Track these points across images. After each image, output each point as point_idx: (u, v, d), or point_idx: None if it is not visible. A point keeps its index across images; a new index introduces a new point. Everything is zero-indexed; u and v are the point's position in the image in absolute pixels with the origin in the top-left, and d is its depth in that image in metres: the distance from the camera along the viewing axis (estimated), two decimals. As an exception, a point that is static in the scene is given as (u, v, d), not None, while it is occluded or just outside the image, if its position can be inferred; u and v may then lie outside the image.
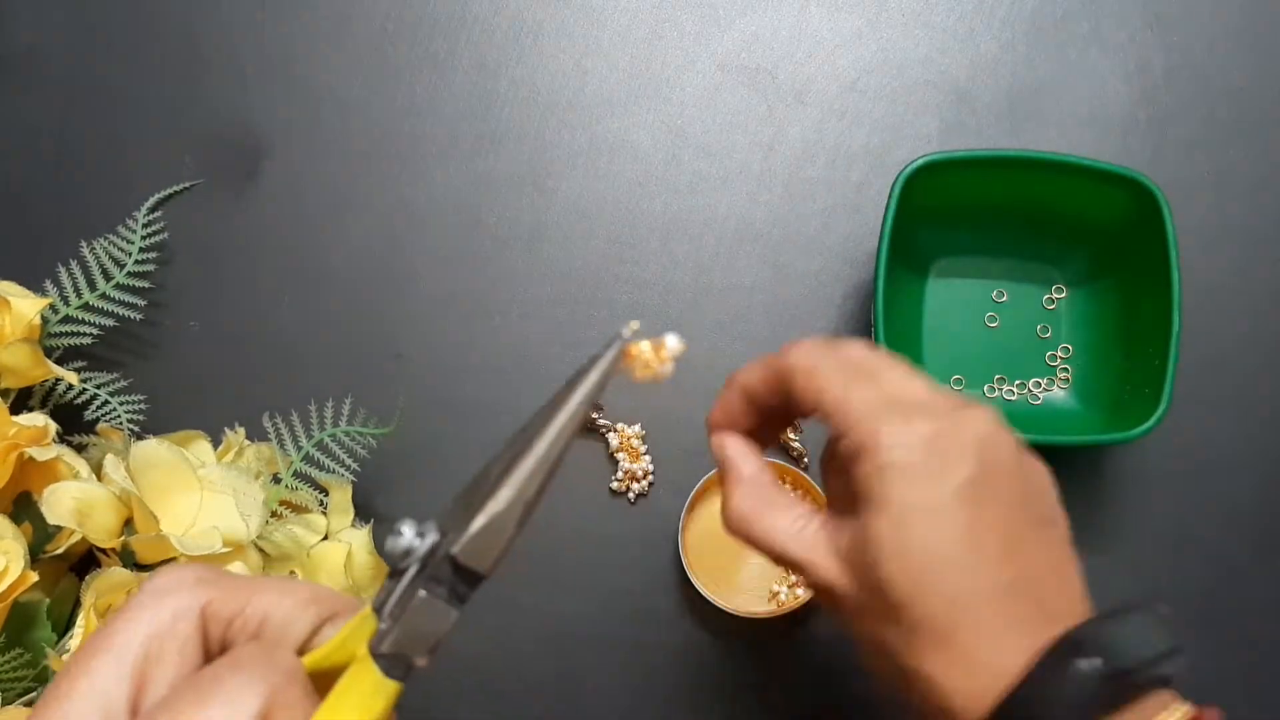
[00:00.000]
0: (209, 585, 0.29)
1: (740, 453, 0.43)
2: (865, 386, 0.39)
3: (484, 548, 0.28)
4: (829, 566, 0.39)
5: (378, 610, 0.28)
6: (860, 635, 0.39)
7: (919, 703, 0.37)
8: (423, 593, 0.27)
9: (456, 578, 0.28)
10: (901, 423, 0.37)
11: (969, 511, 0.36)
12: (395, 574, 0.28)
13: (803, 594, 0.61)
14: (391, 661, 0.27)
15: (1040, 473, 0.39)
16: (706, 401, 0.65)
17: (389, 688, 0.28)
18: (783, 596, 0.62)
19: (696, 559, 0.61)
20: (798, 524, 0.40)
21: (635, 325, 0.29)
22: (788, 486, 0.63)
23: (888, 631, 0.37)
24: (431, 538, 0.28)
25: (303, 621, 0.30)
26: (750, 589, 0.62)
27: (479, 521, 0.27)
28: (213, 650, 0.29)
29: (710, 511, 0.63)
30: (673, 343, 0.30)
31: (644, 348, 0.29)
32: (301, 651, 0.29)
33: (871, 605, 0.37)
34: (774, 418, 0.45)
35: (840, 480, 0.41)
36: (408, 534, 0.27)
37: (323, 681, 0.28)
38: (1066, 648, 0.34)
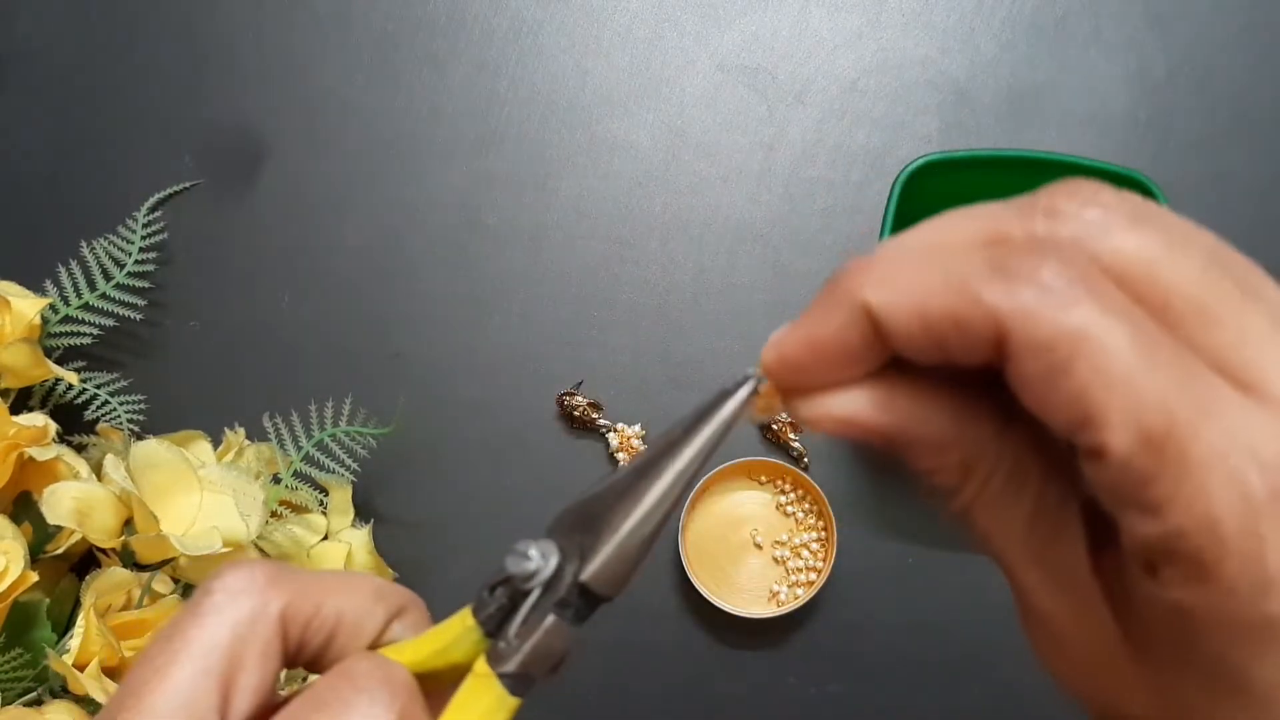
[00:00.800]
0: (284, 584, 0.28)
1: (891, 397, 0.23)
2: (1219, 424, 0.18)
3: (612, 575, 0.28)
4: (1108, 683, 0.22)
5: (483, 622, 0.28)
6: None
7: None
8: (553, 618, 0.28)
9: (582, 601, 0.28)
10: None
11: None
12: (499, 586, 0.28)
13: (802, 594, 0.61)
14: (513, 679, 0.28)
15: None
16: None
17: (510, 704, 0.28)
18: (783, 596, 0.62)
19: (696, 559, 0.61)
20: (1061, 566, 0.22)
21: (763, 370, 0.29)
22: (788, 487, 0.63)
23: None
24: (555, 560, 0.28)
25: (375, 618, 0.29)
26: (749, 589, 0.62)
27: (609, 549, 0.28)
28: (290, 653, 0.28)
29: (710, 511, 0.63)
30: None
31: (773, 396, 0.29)
32: (371, 649, 0.29)
33: None
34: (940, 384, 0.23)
35: (1080, 583, 0.22)
36: (535, 556, 0.28)
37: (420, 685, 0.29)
38: None
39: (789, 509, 0.63)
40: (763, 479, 0.63)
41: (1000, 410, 0.22)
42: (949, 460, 0.22)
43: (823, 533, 0.62)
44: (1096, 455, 0.19)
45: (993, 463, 0.22)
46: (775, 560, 0.62)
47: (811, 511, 0.62)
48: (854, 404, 0.23)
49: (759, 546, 0.62)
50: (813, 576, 0.61)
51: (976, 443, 0.22)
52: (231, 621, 0.27)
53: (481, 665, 0.28)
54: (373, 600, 0.29)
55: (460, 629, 0.28)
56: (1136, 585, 0.20)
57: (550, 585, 0.28)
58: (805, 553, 0.62)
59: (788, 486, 0.63)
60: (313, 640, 0.28)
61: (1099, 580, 0.22)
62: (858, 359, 0.22)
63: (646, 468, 0.28)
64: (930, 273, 0.20)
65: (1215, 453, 0.18)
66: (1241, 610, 0.18)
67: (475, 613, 0.28)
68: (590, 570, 0.27)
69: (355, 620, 0.28)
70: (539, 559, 0.28)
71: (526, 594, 0.28)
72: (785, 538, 0.62)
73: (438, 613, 0.65)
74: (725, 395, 0.27)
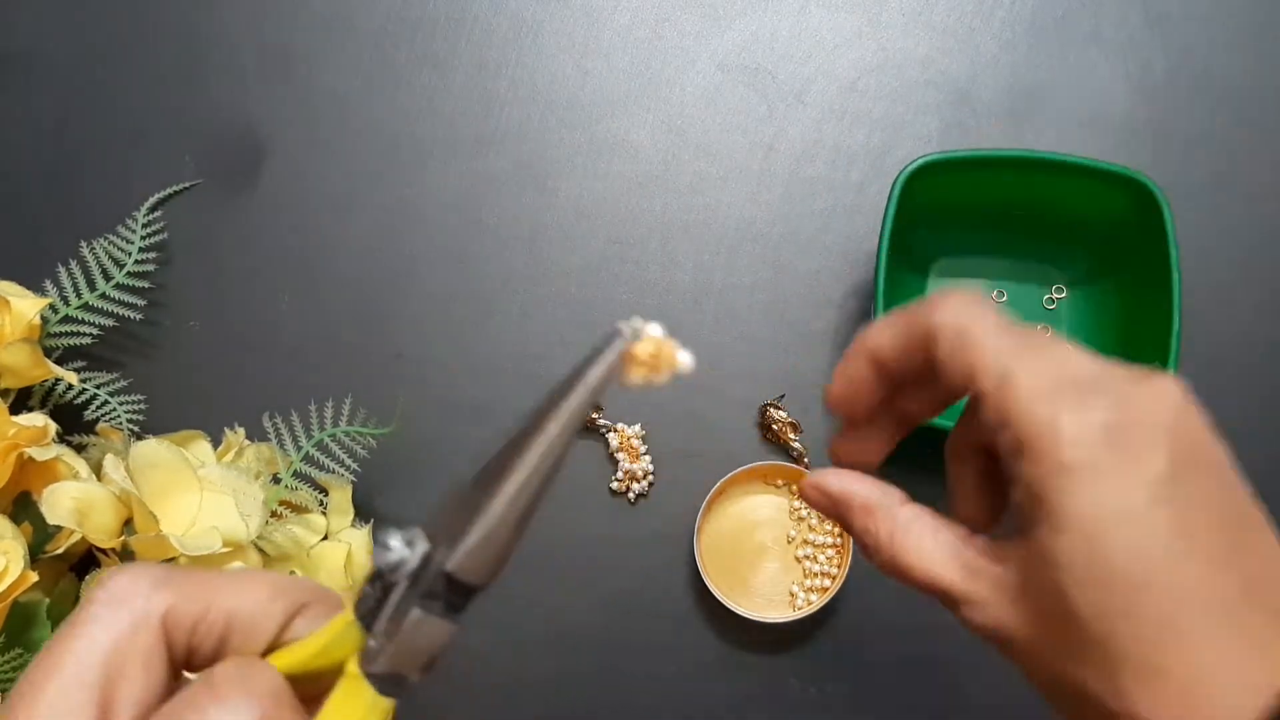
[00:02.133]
0: (168, 588, 0.27)
1: (849, 479, 0.36)
2: (1032, 359, 0.30)
3: (480, 562, 0.26)
4: (996, 601, 0.31)
5: (362, 619, 0.27)
6: (1043, 680, 0.31)
7: None
8: (418, 611, 0.26)
9: (451, 591, 0.26)
10: (1079, 409, 0.29)
11: (1173, 513, 0.29)
12: (376, 580, 0.27)
13: (817, 600, 0.61)
14: (384, 680, 0.26)
15: (1225, 451, 0.33)
16: (706, 401, 0.65)
17: (383, 706, 0.26)
18: (800, 601, 0.61)
19: (710, 562, 0.61)
20: (948, 548, 0.33)
21: (638, 324, 0.27)
22: (785, 488, 0.63)
23: (1083, 673, 0.29)
24: (421, 548, 0.26)
25: (271, 617, 0.28)
26: (765, 593, 0.62)
27: (474, 535, 0.26)
28: (178, 659, 0.27)
29: (725, 514, 0.62)
30: (685, 359, 0.28)
31: (646, 349, 0.27)
32: (272, 648, 0.28)
33: (1058, 643, 0.30)
34: (911, 393, 0.36)
35: (987, 484, 0.35)
36: (397, 547, 0.26)
37: (303, 686, 0.27)
38: None
39: (804, 513, 0.63)
40: (779, 482, 0.63)
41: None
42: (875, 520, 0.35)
43: (838, 537, 0.62)
44: (978, 399, 0.31)
45: (903, 512, 0.34)
46: (795, 561, 0.62)
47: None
48: (831, 480, 0.36)
49: (773, 551, 0.62)
50: (827, 582, 0.61)
51: (889, 502, 0.35)
52: (111, 631, 0.26)
53: (352, 665, 0.26)
54: (270, 598, 0.28)
55: (341, 626, 0.27)
56: (1000, 484, 0.35)
57: (417, 577, 0.26)
58: (821, 557, 0.62)
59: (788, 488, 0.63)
60: (203, 643, 0.27)
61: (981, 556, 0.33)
62: (869, 389, 0.35)
63: (514, 448, 0.26)
64: (893, 322, 0.34)
65: (1032, 386, 0.30)
66: (1052, 456, 0.29)
67: (356, 608, 0.27)
68: (455, 558, 0.26)
69: (249, 620, 0.27)
70: (401, 549, 0.26)
71: (392, 586, 0.26)
72: (800, 541, 0.62)
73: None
74: (594, 356, 0.26)
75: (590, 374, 0.26)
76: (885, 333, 0.34)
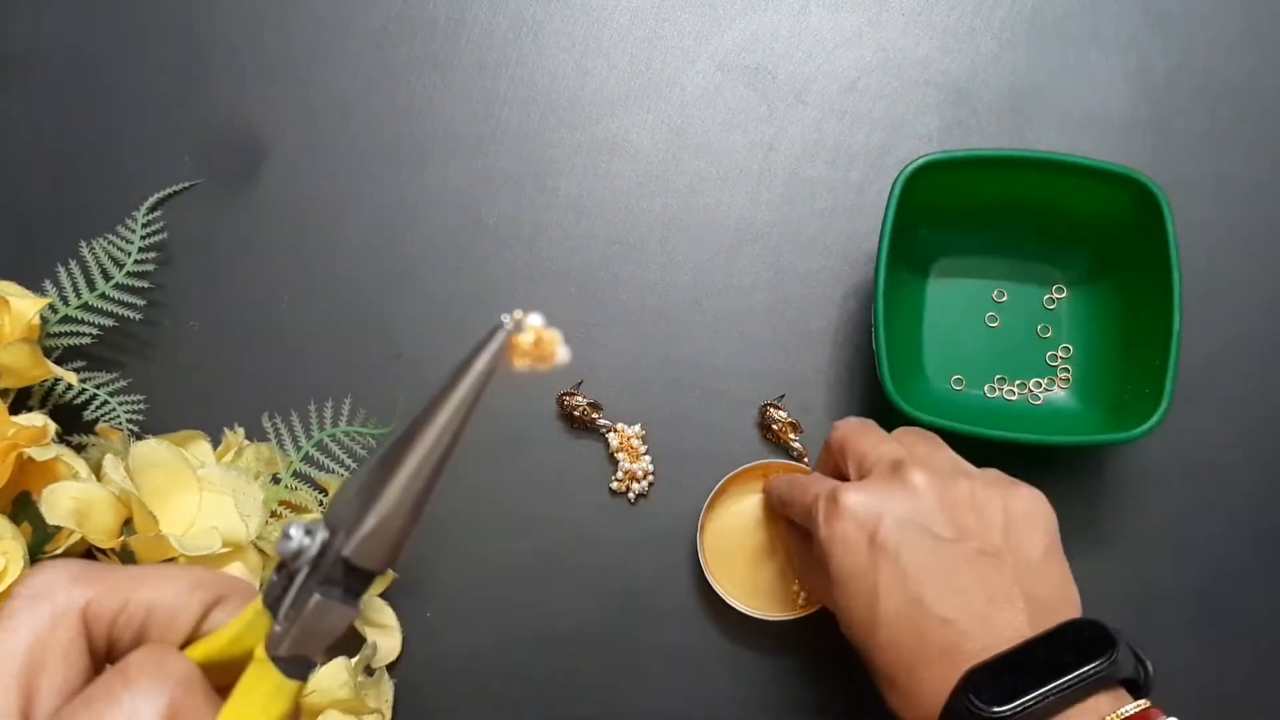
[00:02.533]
0: (86, 583, 0.28)
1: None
2: (842, 489, 0.50)
3: (375, 548, 0.27)
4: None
5: (270, 607, 0.28)
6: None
7: None
8: (317, 596, 0.27)
9: (350, 577, 0.27)
10: (834, 513, 0.49)
11: (884, 571, 0.47)
12: (281, 569, 0.28)
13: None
14: (290, 663, 0.27)
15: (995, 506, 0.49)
16: (706, 400, 0.65)
17: (290, 688, 0.27)
18: (802, 599, 0.61)
19: (714, 560, 0.61)
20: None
21: (519, 315, 0.28)
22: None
23: (869, 662, 0.49)
24: (320, 536, 0.27)
25: (189, 609, 0.29)
26: (767, 591, 0.62)
27: (369, 523, 0.27)
28: (99, 651, 0.28)
29: (728, 512, 0.62)
30: (563, 353, 0.29)
31: (527, 340, 0.28)
32: (191, 639, 0.29)
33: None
34: None
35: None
36: (297, 536, 0.27)
37: (218, 675, 0.28)
38: (966, 683, 0.43)
39: None
40: (780, 472, 0.63)
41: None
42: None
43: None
44: (814, 507, 0.51)
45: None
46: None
47: None
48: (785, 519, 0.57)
49: (776, 549, 0.62)
50: None
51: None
52: (32, 625, 0.27)
53: (259, 650, 0.27)
54: (188, 591, 0.29)
55: (251, 615, 0.28)
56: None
57: (316, 564, 0.27)
58: None
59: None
60: (123, 635, 0.28)
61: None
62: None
63: (409, 432, 0.27)
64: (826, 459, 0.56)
65: (834, 503, 0.49)
66: (821, 534, 0.49)
67: (264, 597, 0.28)
68: (351, 545, 0.27)
69: (168, 612, 0.29)
70: (301, 538, 0.27)
71: (296, 573, 0.27)
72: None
73: (440, 613, 0.65)
74: (480, 347, 0.28)
75: (476, 363, 0.27)
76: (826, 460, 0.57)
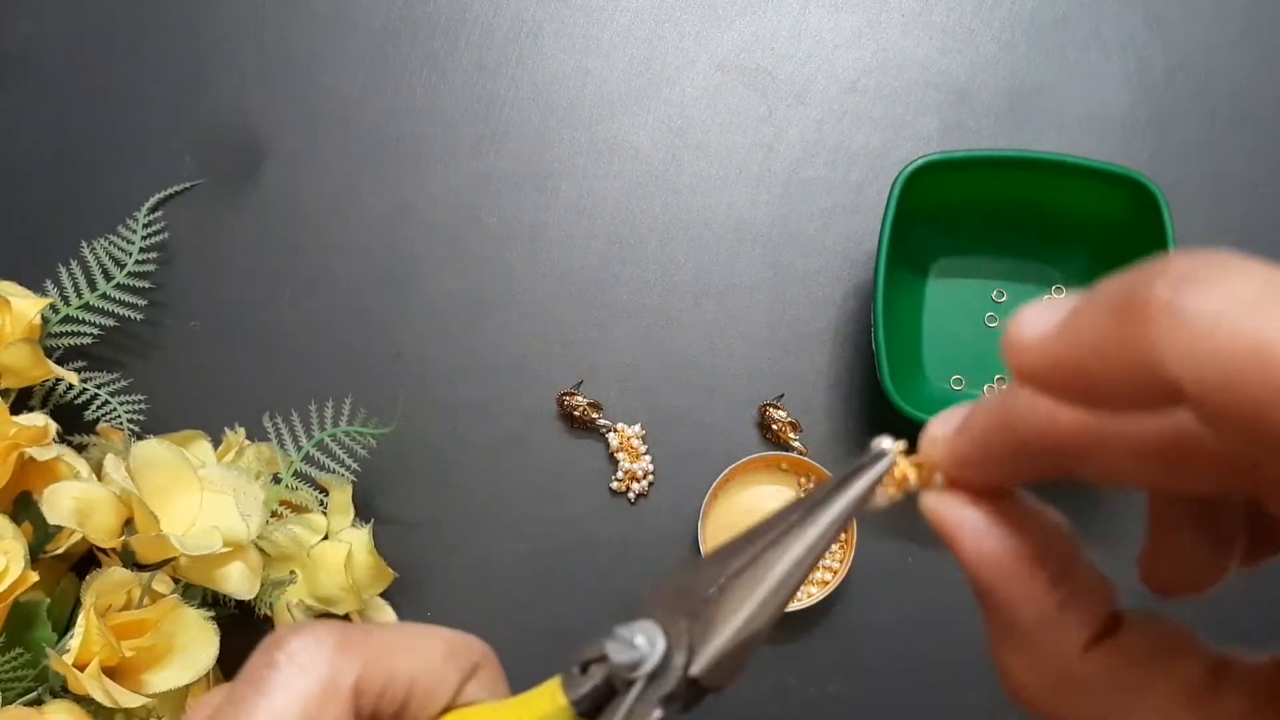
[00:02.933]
0: (353, 652, 0.25)
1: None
2: None
3: (730, 669, 0.25)
4: None
5: (575, 703, 0.26)
6: None
7: None
8: (659, 712, 0.25)
9: (690, 693, 0.25)
10: None
11: None
12: (591, 666, 0.26)
13: (817, 593, 0.61)
14: None
15: None
16: (706, 400, 0.65)
17: None
18: (799, 592, 0.61)
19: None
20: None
21: (901, 446, 0.26)
22: (812, 487, 0.63)
23: None
24: (660, 647, 0.25)
25: (447, 683, 0.27)
26: None
27: (725, 640, 0.24)
28: None
29: (731, 504, 0.62)
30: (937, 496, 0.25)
31: (908, 470, 0.26)
32: (445, 711, 0.27)
33: None
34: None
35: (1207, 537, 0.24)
36: (642, 645, 0.25)
37: None
38: None
39: None
40: (783, 466, 0.63)
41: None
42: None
43: (841, 532, 0.62)
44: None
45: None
46: None
47: None
48: (966, 523, 0.23)
49: None
50: (829, 576, 0.61)
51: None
52: (298, 697, 0.24)
53: None
54: (444, 660, 0.27)
55: (551, 707, 0.26)
56: None
57: (656, 676, 0.25)
58: None
59: (811, 485, 0.63)
60: (385, 710, 0.26)
61: None
62: (1016, 453, 0.22)
63: (764, 547, 0.24)
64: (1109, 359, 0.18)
65: None
66: None
67: (566, 689, 0.26)
68: (703, 665, 0.24)
69: (429, 685, 0.26)
70: (645, 647, 0.25)
71: (629, 683, 0.25)
72: None
73: (441, 612, 0.65)
74: (859, 470, 0.25)
75: (855, 486, 0.25)
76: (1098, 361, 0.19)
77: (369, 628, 0.26)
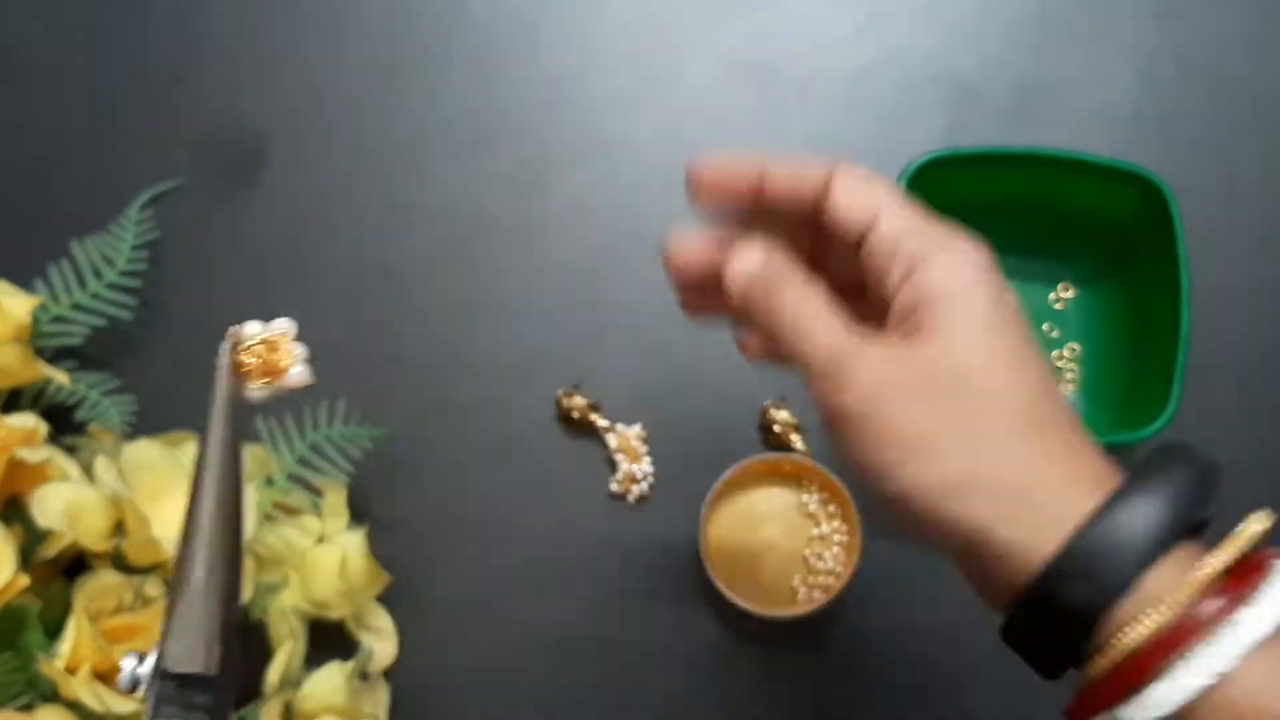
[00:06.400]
0: None
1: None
2: (916, 213, 0.39)
3: (191, 648, 0.24)
4: (860, 384, 0.35)
5: None
6: (879, 476, 0.35)
7: (961, 546, 0.34)
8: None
9: (184, 690, 0.24)
10: (957, 252, 0.37)
11: (1001, 337, 0.35)
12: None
13: (820, 597, 0.60)
14: None
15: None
16: (708, 401, 0.64)
17: None
18: (800, 596, 0.61)
19: (717, 556, 0.61)
20: (839, 325, 0.37)
21: (234, 332, 0.25)
22: (814, 489, 0.62)
23: (921, 473, 0.34)
24: (150, 659, 0.24)
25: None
26: (770, 588, 0.61)
27: (174, 622, 0.24)
28: None
29: (730, 507, 0.62)
30: (298, 372, 0.25)
31: (253, 355, 0.25)
32: None
33: (908, 441, 0.34)
34: (769, 223, 0.43)
35: (859, 306, 0.39)
36: (126, 666, 0.24)
37: None
38: (1131, 490, 0.33)
39: (811, 509, 0.62)
40: (786, 468, 0.62)
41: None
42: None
43: (846, 536, 0.61)
44: (869, 229, 0.38)
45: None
46: (801, 558, 0.61)
47: (835, 514, 0.61)
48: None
49: (780, 546, 0.62)
50: (832, 580, 0.61)
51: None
52: None
53: None
54: None
55: None
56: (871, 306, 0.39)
57: (151, 687, 0.25)
58: (827, 554, 0.61)
59: (814, 489, 0.62)
60: None
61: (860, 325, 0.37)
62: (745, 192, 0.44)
63: (190, 520, 0.24)
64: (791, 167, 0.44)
65: (917, 226, 0.38)
66: (939, 286, 0.36)
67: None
68: (162, 651, 0.24)
69: None
70: (132, 665, 0.25)
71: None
72: (807, 537, 0.61)
73: (437, 617, 0.64)
74: (211, 396, 0.25)
75: (212, 417, 0.25)
76: (785, 164, 0.42)
77: None
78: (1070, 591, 0.32)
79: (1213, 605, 0.31)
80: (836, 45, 0.68)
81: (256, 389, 0.25)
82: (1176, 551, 0.32)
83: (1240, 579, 0.32)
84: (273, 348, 0.24)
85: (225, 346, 0.24)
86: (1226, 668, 0.30)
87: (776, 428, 0.63)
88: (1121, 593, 0.31)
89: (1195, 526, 0.34)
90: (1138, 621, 0.31)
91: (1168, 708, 0.30)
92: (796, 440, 0.63)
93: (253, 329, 0.24)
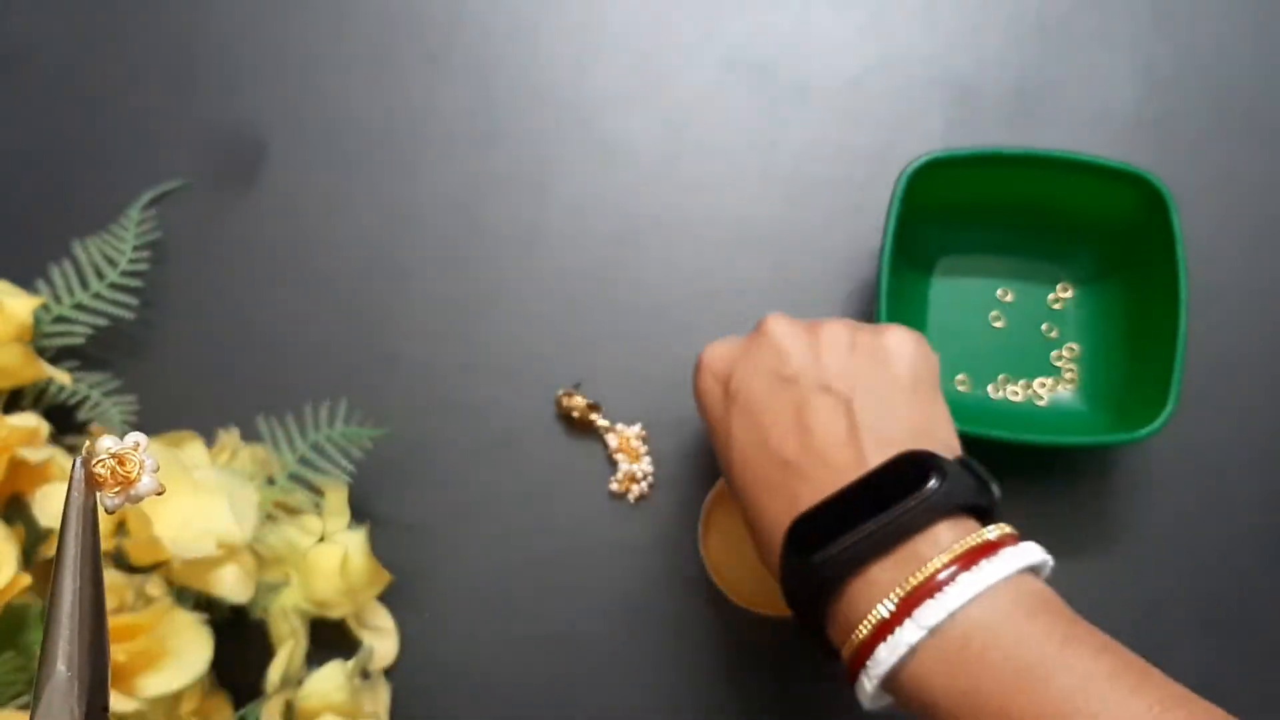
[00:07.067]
0: None
1: None
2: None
3: None
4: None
5: None
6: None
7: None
8: None
9: None
10: (714, 381, 0.50)
11: (735, 418, 0.47)
12: None
13: None
14: None
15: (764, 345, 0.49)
16: (707, 402, 0.64)
17: None
18: None
19: (717, 555, 0.61)
20: None
21: (94, 437, 0.26)
22: None
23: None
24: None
25: None
26: (774, 587, 0.61)
27: (38, 717, 0.24)
28: None
29: (731, 507, 0.62)
30: (147, 483, 0.26)
31: (109, 466, 0.26)
32: None
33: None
34: None
35: None
36: None
37: None
38: (791, 532, 0.44)
39: None
40: None
41: None
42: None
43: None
44: None
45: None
46: None
47: None
48: None
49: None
50: None
51: None
52: None
53: None
54: None
55: None
56: None
57: None
58: None
59: None
60: None
61: None
62: None
63: (51, 613, 0.25)
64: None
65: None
66: (694, 393, 0.52)
67: None
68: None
69: None
70: None
71: None
72: None
73: (438, 616, 0.64)
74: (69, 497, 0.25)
75: (69, 511, 0.25)
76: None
77: None
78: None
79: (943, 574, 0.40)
80: (836, 46, 0.69)
81: (109, 497, 0.26)
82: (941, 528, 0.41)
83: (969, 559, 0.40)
84: (122, 461, 0.25)
85: (78, 460, 0.25)
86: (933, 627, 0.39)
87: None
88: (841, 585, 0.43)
89: (973, 510, 0.42)
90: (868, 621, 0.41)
91: (902, 649, 0.39)
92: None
93: (105, 444, 0.25)
